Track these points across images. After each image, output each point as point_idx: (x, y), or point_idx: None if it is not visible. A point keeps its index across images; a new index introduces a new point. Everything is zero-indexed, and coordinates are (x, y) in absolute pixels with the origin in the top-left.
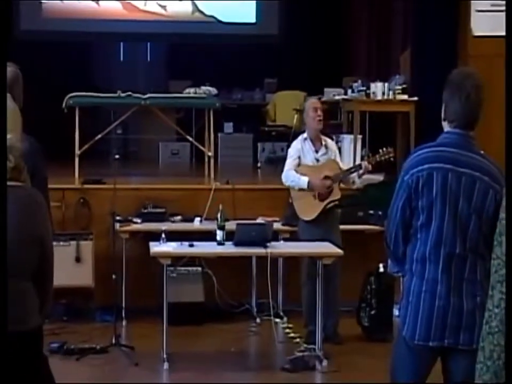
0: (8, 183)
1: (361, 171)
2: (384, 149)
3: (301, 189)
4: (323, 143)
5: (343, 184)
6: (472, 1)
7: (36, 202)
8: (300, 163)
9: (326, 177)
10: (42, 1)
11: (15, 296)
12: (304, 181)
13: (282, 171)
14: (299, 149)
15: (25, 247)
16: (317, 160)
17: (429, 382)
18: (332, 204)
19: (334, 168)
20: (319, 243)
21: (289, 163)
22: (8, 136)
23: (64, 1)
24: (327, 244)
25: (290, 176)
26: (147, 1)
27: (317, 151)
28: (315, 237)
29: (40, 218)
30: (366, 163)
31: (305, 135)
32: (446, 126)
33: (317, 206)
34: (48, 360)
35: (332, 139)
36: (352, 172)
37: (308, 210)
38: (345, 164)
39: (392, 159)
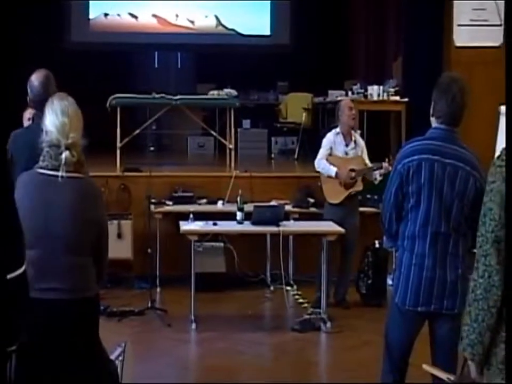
0: (72, 174)
1: (382, 170)
2: None
3: (329, 176)
4: (353, 138)
5: (365, 177)
6: (454, 17)
7: (94, 191)
8: (331, 153)
9: (352, 170)
10: (90, 17)
11: (79, 269)
12: (333, 170)
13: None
14: (331, 141)
15: (85, 228)
16: (346, 153)
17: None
18: (354, 193)
19: (360, 163)
20: (322, 222)
21: (322, 152)
22: (72, 134)
23: (108, 18)
24: (330, 223)
25: (322, 164)
26: (178, 17)
27: (347, 145)
28: (337, 217)
29: (98, 204)
30: (386, 164)
31: (338, 129)
32: (433, 122)
33: (342, 192)
34: None
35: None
36: (375, 170)
37: (334, 194)
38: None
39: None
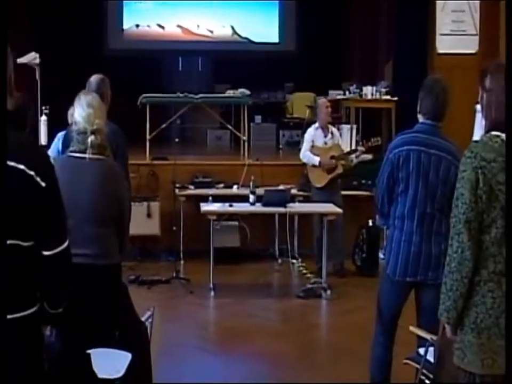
0: (96, 156)
1: (357, 153)
2: (374, 138)
3: (313, 165)
4: (330, 130)
5: (343, 161)
6: (437, 27)
7: (115, 171)
8: (313, 145)
9: (332, 157)
10: (124, 27)
11: (102, 238)
12: (316, 160)
13: (298, 151)
14: (312, 135)
15: (107, 203)
16: (325, 143)
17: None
18: (335, 176)
19: (338, 150)
20: (324, 204)
21: (305, 145)
22: (97, 121)
23: (139, 28)
24: (330, 205)
25: (306, 156)
26: (199, 27)
27: (325, 136)
28: (323, 199)
29: (118, 182)
30: (361, 147)
31: (317, 124)
32: (420, 118)
33: (325, 177)
34: (128, 288)
35: (334, 126)
36: (351, 154)
37: (319, 179)
38: (345, 146)
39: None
